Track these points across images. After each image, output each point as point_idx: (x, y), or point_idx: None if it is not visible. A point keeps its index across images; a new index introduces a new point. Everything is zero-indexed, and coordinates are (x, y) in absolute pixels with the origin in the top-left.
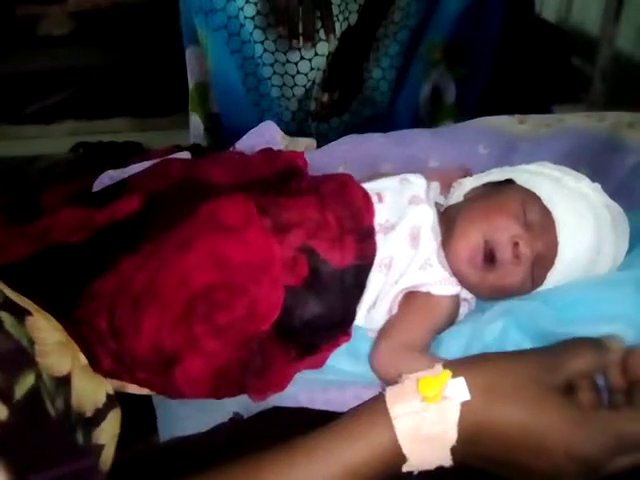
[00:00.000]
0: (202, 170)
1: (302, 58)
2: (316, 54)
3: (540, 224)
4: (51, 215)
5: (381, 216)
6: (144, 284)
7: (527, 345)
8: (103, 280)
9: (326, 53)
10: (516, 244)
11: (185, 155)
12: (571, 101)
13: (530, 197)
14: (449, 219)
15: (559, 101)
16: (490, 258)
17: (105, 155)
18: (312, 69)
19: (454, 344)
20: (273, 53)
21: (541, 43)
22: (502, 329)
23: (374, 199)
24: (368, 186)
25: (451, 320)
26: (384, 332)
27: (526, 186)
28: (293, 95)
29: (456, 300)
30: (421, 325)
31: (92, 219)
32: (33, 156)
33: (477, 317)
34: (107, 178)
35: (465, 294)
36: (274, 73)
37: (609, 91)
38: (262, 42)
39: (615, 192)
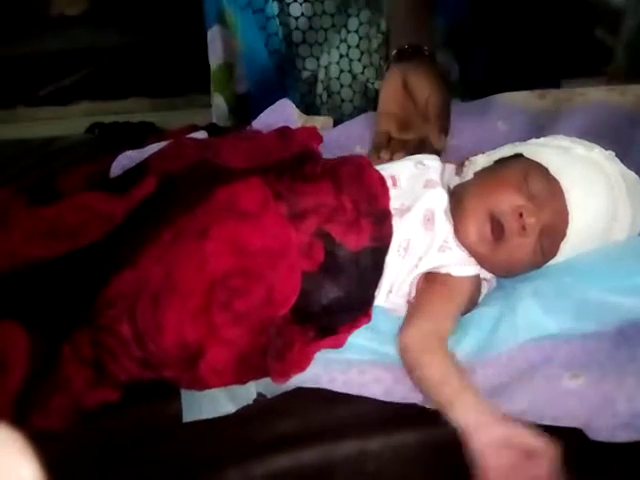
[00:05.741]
0: (216, 152)
1: None
2: None
3: (546, 194)
4: (70, 199)
5: (396, 201)
6: (162, 277)
7: (556, 326)
8: (120, 278)
9: None
10: (520, 215)
11: (202, 135)
12: (592, 74)
13: (534, 168)
14: (458, 197)
15: (580, 74)
16: (499, 232)
17: (120, 136)
18: None
19: (484, 324)
20: None
21: (563, 14)
22: (531, 309)
23: (388, 183)
24: (383, 169)
25: (474, 301)
26: (412, 318)
27: (533, 158)
28: None
29: (476, 281)
30: (447, 309)
31: (114, 207)
32: (49, 138)
33: (506, 297)
34: (125, 159)
35: (485, 274)
36: None
37: (632, 63)
38: None
39: (638, 167)
